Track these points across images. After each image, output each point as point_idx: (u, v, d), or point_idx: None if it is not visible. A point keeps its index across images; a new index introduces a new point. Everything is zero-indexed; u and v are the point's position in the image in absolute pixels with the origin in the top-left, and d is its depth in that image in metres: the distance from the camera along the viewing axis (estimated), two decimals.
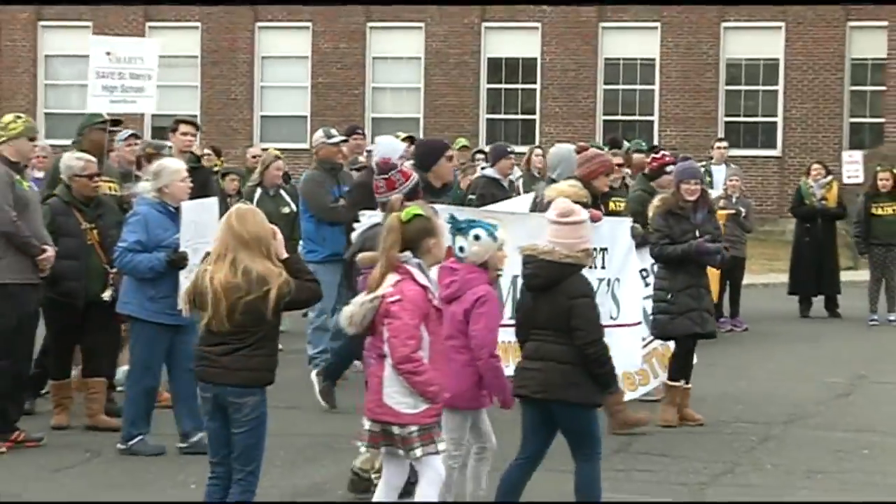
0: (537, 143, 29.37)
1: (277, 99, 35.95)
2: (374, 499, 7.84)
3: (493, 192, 13.57)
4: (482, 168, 14.39)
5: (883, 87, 32.12)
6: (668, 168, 13.25)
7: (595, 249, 11.22)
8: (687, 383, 12.02)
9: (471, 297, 8.22)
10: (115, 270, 11.00)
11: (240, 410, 7.42)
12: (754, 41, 34.15)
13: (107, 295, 11.07)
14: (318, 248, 13.34)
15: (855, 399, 13.54)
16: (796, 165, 30.32)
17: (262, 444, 7.53)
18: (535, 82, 35.08)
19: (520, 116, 35.00)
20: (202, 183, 12.83)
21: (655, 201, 12.26)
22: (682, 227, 11.92)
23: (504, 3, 34.47)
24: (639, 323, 11.85)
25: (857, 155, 25.79)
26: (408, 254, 7.61)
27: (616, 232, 11.76)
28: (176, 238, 10.27)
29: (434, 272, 7.93)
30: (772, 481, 10.10)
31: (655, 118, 34.24)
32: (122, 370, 11.85)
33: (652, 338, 12.33)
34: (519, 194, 14.72)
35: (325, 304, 13.37)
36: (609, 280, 11.57)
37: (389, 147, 11.93)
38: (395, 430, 7.54)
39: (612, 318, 11.44)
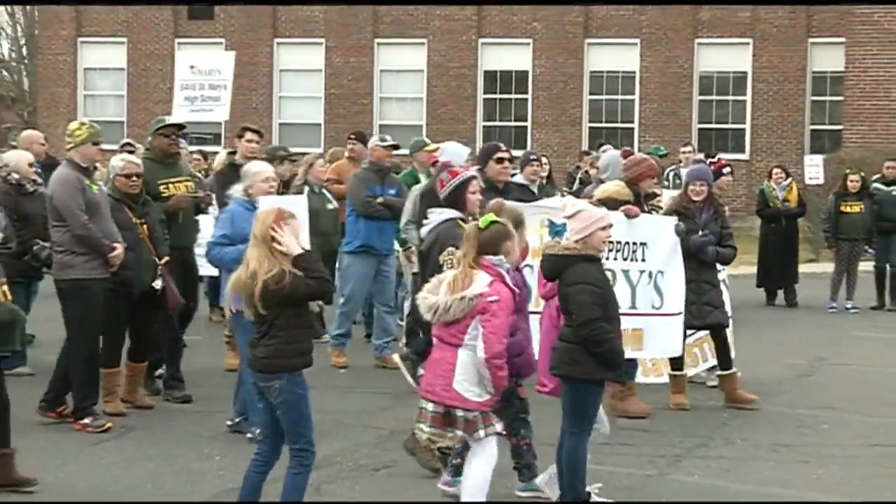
0: (528, 147, 29.43)
1: (294, 108, 35.96)
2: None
3: (521, 197, 13.32)
4: (512, 175, 14.18)
5: (841, 98, 32.09)
6: (725, 170, 13.11)
7: (635, 244, 11.22)
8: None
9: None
10: (163, 262, 10.98)
11: (270, 393, 7.37)
12: (724, 56, 34.19)
13: (157, 284, 11.02)
14: (352, 239, 13.40)
15: (815, 379, 13.54)
16: (763, 168, 30.28)
17: (303, 423, 7.37)
18: (526, 93, 35.10)
19: (513, 124, 35.00)
20: None
21: (665, 201, 12.17)
22: (687, 226, 11.77)
23: (495, 2, 34.46)
24: (680, 313, 11.56)
25: (818, 159, 25.97)
26: (500, 258, 7.62)
27: (658, 229, 11.50)
28: None
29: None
30: (740, 454, 10.10)
31: (636, 125, 34.28)
32: None
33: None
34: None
35: (354, 292, 13.43)
36: (651, 272, 11.33)
37: (454, 152, 11.81)
38: (460, 413, 7.53)
39: (654, 307, 11.35)
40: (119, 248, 10.55)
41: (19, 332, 8.72)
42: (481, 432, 7.55)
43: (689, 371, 12.33)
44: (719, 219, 12.11)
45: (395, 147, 13.89)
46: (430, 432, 8.47)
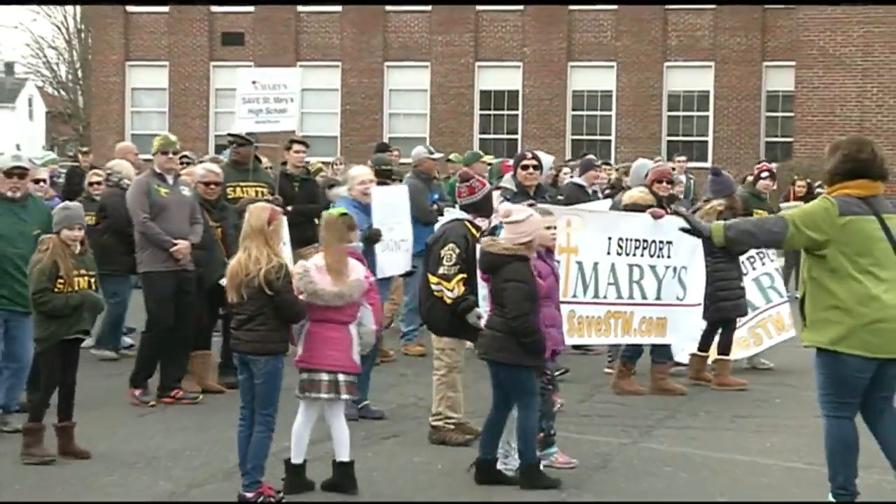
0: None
1: (314, 122, 35.86)
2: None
3: (578, 196, 13.14)
4: (571, 176, 14.03)
5: (791, 114, 32.09)
6: (763, 174, 13.03)
7: (661, 242, 11.09)
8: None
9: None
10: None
11: (256, 365, 7.50)
12: (690, 77, 34.16)
13: (223, 282, 10.91)
14: (414, 244, 13.18)
15: (770, 360, 13.50)
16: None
17: (275, 393, 7.50)
18: (517, 109, 35.08)
19: (505, 137, 34.96)
20: (310, 191, 12.64)
21: (715, 206, 11.89)
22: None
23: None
24: (700, 304, 11.43)
25: (772, 167, 25.84)
26: (354, 243, 7.90)
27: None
28: (367, 226, 9.94)
29: None
30: (704, 424, 10.09)
31: (612, 138, 34.25)
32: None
33: (762, 307, 12.35)
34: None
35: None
36: (676, 268, 11.21)
37: (545, 160, 11.68)
38: (342, 377, 7.62)
39: (678, 298, 11.24)
40: (181, 244, 10.45)
41: (89, 316, 8.69)
42: (347, 395, 7.67)
43: (753, 349, 12.40)
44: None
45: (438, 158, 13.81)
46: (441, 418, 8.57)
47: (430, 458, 8.55)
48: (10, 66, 77.51)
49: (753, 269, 12.55)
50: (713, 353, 11.89)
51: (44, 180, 12.11)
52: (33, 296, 8.40)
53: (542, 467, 8.01)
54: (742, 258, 12.27)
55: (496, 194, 10.45)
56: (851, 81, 30.90)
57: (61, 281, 8.32)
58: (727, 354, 11.84)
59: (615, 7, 34.24)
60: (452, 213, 9.29)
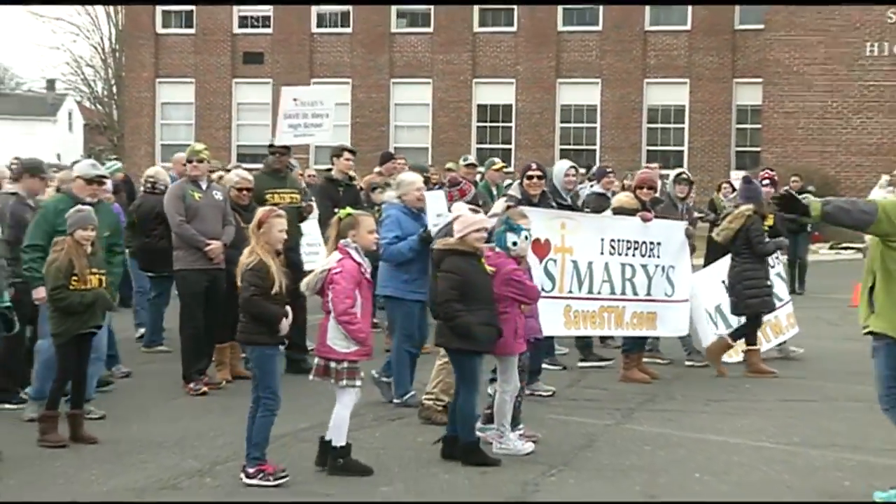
0: (513, 167, 29.37)
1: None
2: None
3: (601, 203, 12.96)
4: (591, 186, 13.79)
5: (759, 126, 32.09)
6: (764, 182, 12.91)
7: (651, 243, 11.05)
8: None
9: (505, 273, 8.10)
10: None
11: (248, 353, 7.80)
12: (667, 93, 34.18)
13: None
14: None
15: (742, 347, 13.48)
16: (698, 182, 30.21)
17: (269, 378, 7.44)
18: (511, 122, 35.10)
19: (500, 146, 34.94)
20: (354, 195, 12.58)
21: (744, 210, 11.76)
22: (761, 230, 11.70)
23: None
24: (686, 300, 11.38)
25: (741, 174, 25.77)
26: (348, 240, 7.60)
27: (670, 231, 11.28)
28: (422, 228, 9.75)
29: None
30: (680, 407, 10.06)
31: (597, 148, 34.26)
32: None
33: (784, 302, 12.24)
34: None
35: None
36: (664, 266, 11.16)
37: (558, 169, 11.61)
38: (333, 364, 7.51)
39: (667, 294, 11.18)
40: (214, 244, 10.41)
41: (101, 311, 8.54)
42: (344, 382, 7.50)
43: (774, 340, 12.26)
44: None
45: (473, 166, 13.66)
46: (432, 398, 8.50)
47: (431, 438, 8.52)
48: (51, 83, 77.55)
49: (772, 267, 12.45)
50: (740, 345, 11.78)
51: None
52: (51, 293, 8.30)
53: (480, 446, 7.95)
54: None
55: (502, 200, 10.46)
56: (813, 96, 30.91)
57: (76, 279, 8.23)
58: (754, 344, 11.70)
59: (600, 29, 34.31)
60: (448, 217, 9.28)
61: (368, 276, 7.66)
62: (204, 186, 10.70)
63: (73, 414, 8.48)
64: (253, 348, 7.53)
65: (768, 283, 11.80)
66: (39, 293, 8.84)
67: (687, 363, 12.03)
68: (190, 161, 10.77)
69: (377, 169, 15.81)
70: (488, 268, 7.93)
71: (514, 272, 8.10)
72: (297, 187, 12.04)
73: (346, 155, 12.80)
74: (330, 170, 13.11)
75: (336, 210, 11.82)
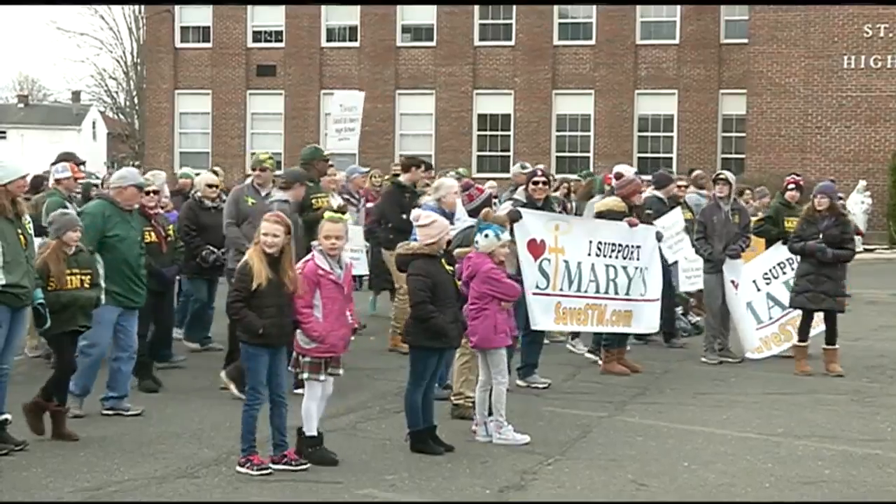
0: (511, 174, 29.35)
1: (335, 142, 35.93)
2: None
3: (659, 208, 12.76)
4: (652, 190, 13.76)
5: (744, 134, 32.12)
6: (790, 186, 12.74)
7: (631, 246, 11.05)
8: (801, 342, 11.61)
9: (483, 272, 8.16)
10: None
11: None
12: (657, 103, 34.19)
13: None
14: None
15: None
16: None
17: (252, 374, 7.37)
18: (509, 130, 35.10)
19: (499, 154, 34.99)
20: (415, 203, 12.50)
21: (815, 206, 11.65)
22: (810, 231, 11.44)
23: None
24: (658, 299, 11.36)
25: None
26: (314, 242, 7.61)
27: (647, 235, 11.30)
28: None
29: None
30: (670, 400, 10.06)
31: (591, 155, 34.26)
32: None
33: (791, 309, 11.89)
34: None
35: None
36: (641, 268, 11.16)
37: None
38: (301, 358, 7.52)
39: (641, 294, 11.17)
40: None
41: (80, 313, 8.27)
42: (305, 375, 7.51)
43: (782, 346, 12.12)
44: (840, 225, 11.48)
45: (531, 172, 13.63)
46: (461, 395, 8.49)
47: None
48: (76, 94, 77.74)
49: (783, 273, 12.37)
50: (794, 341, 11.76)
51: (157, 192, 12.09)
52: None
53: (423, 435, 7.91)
54: (775, 263, 12.26)
55: (507, 204, 10.45)
56: (794, 106, 30.92)
57: (52, 281, 8.09)
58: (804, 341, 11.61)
59: (593, 42, 34.32)
60: (469, 221, 9.28)
61: (337, 279, 7.52)
62: (263, 193, 10.73)
63: (56, 410, 8.25)
64: (241, 344, 7.50)
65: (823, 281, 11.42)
66: None
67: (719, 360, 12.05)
68: (254, 169, 10.99)
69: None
70: (448, 267, 7.99)
71: (492, 270, 8.19)
72: (324, 192, 12.10)
73: (423, 168, 12.79)
74: (397, 175, 13.08)
75: (404, 216, 11.83)
